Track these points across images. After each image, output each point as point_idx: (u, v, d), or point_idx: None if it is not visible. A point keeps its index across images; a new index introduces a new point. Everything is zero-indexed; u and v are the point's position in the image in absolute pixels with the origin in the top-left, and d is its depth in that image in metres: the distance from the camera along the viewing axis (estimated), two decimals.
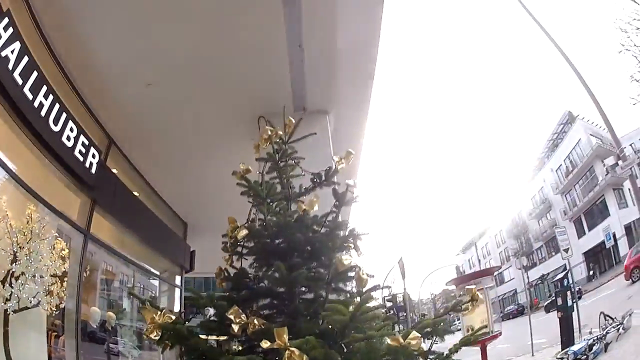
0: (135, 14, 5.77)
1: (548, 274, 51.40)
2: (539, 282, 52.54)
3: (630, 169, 13.99)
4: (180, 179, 9.85)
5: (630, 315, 11.70)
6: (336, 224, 3.39)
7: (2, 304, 5.14)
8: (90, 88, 6.93)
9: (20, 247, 5.47)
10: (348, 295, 3.31)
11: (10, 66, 4.95)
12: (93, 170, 6.67)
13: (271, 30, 6.01)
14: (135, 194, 8.96)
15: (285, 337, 2.31)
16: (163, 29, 5.98)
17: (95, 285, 7.81)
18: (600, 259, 43.38)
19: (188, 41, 6.26)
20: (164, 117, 7.64)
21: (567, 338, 11.79)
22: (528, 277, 47.95)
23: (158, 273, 11.38)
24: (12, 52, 4.99)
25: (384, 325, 2.91)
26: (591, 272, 43.28)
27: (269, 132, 3.64)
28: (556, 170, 52.23)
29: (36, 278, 5.62)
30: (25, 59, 5.23)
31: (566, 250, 13.36)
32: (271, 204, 3.48)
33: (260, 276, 3.37)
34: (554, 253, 50.82)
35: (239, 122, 7.45)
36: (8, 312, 5.23)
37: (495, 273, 59.93)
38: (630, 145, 38.46)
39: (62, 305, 6.20)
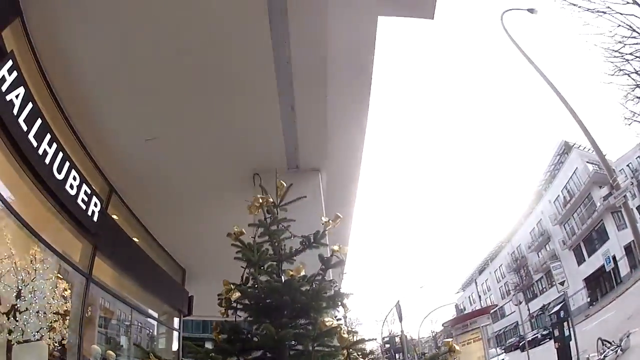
0: (136, 70, 6.09)
1: (549, 303, 50.80)
2: (540, 312, 51.94)
3: (624, 196, 13.94)
4: (178, 227, 10.08)
5: (627, 336, 11.73)
6: (321, 286, 3.65)
7: (7, 335, 5.40)
8: (92, 138, 7.22)
9: (25, 285, 5.77)
10: (333, 349, 3.54)
11: (15, 111, 5.10)
12: (95, 218, 6.96)
13: (265, 95, 6.35)
14: (135, 240, 9.23)
15: None
16: (164, 88, 6.32)
17: (95, 323, 8.02)
18: (601, 283, 43.49)
19: (187, 102, 6.60)
20: (163, 169, 7.91)
21: None
22: (529, 309, 47.82)
23: (156, 316, 11.59)
24: (17, 97, 5.11)
25: None
26: (589, 299, 43.74)
27: (260, 200, 3.93)
28: (554, 202, 52.82)
29: (39, 314, 5.90)
30: (30, 105, 5.36)
31: (562, 284, 13.52)
32: (262, 267, 3.76)
33: (252, 331, 3.66)
34: (554, 283, 50.95)
35: (236, 177, 7.72)
36: (12, 343, 5.51)
37: (496, 308, 60.11)
38: (628, 165, 39.77)
39: (64, 342, 6.47)
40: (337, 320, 3.85)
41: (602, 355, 10.69)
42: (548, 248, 55.03)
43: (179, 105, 6.62)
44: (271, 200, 4.04)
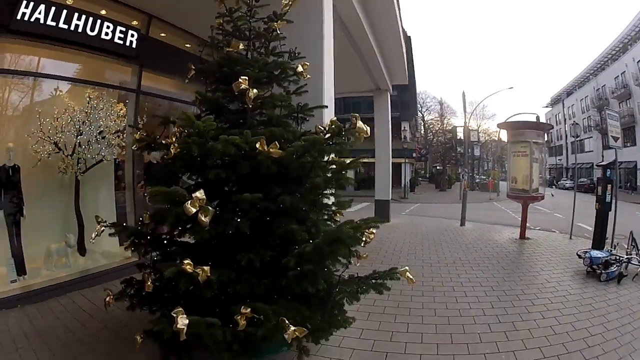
0: None
1: (621, 162, 47.41)
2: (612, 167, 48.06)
3: None
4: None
5: None
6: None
7: (72, 171, 7.54)
8: None
9: (82, 123, 7.61)
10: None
11: (42, 21, 6.69)
12: (134, 46, 8.30)
13: None
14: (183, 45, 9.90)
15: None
16: None
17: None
18: None
19: None
20: None
21: (599, 236, 10.39)
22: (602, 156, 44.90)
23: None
24: (40, 12, 6.66)
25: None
26: None
27: None
28: (638, 62, 45.76)
29: (98, 138, 7.78)
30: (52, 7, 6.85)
31: (615, 139, 11.47)
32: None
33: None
34: (629, 144, 46.58)
35: None
36: (78, 178, 7.67)
37: (575, 138, 55.48)
38: None
39: (123, 153, 8.54)
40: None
41: (628, 259, 8.58)
42: (629, 104, 49.00)
43: None
44: None
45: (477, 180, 50.58)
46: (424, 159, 62.00)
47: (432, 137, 67.48)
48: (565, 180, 57.69)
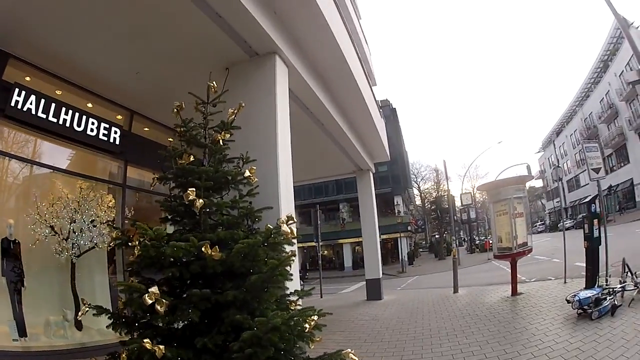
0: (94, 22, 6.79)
1: (617, 185, 48.60)
2: (607, 193, 46.63)
3: None
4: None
5: None
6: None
7: (67, 254, 8.12)
8: (96, 86, 8.85)
9: (75, 211, 8.35)
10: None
11: (33, 111, 7.50)
12: (117, 142, 9.05)
13: None
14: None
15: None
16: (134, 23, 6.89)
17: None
18: None
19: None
20: (155, 80, 8.61)
21: (591, 274, 10.06)
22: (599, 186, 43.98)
23: None
24: (31, 103, 7.48)
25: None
26: None
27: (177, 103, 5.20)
28: (619, 76, 45.41)
29: (90, 227, 8.46)
30: (42, 100, 7.67)
31: (596, 171, 11.29)
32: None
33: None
34: (623, 164, 47.73)
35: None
36: (73, 261, 8.25)
37: (570, 177, 55.99)
38: None
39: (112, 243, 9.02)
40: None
41: (621, 287, 8.70)
42: (617, 124, 49.62)
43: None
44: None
45: (477, 242, 50.15)
46: (420, 230, 61.84)
47: (429, 206, 67.53)
48: (565, 221, 57.24)
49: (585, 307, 8.20)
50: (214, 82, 5.35)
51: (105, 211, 8.80)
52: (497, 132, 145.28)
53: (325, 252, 49.43)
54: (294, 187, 7.45)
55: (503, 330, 8.49)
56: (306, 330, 4.24)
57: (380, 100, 29.01)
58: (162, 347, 3.76)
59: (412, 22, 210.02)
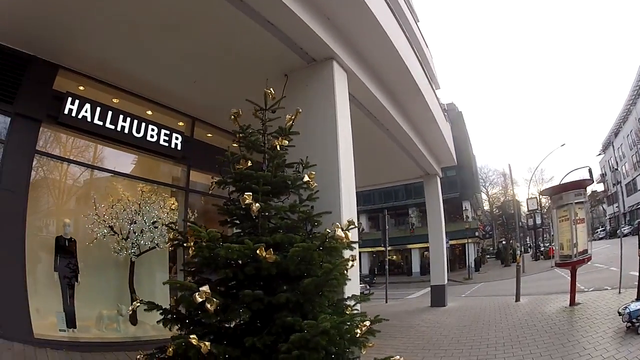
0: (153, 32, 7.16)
1: None
2: None
3: None
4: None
5: None
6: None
7: (126, 253, 8.46)
8: (159, 94, 9.25)
9: (136, 213, 8.67)
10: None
11: (89, 119, 7.93)
12: (179, 147, 9.35)
13: None
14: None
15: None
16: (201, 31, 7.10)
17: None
18: None
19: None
20: (214, 88, 8.87)
21: None
22: None
23: None
24: (86, 111, 7.91)
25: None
26: None
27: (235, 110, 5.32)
28: None
29: (151, 228, 8.75)
30: (98, 108, 8.09)
31: None
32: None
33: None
34: None
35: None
36: (132, 259, 8.57)
37: (628, 180, 52.40)
38: None
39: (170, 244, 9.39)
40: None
41: None
42: None
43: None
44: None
45: (542, 249, 48.37)
46: (488, 236, 60.45)
47: (497, 211, 65.85)
48: (624, 227, 53.99)
49: (634, 320, 7.84)
50: (272, 89, 5.39)
51: (167, 213, 9.08)
52: (561, 133, 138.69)
53: (394, 257, 49.00)
54: (362, 191, 7.48)
55: (557, 343, 8.28)
56: (357, 336, 4.25)
57: (446, 104, 28.48)
58: (207, 343, 3.84)
59: (473, 25, 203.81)
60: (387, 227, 23.20)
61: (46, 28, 6.85)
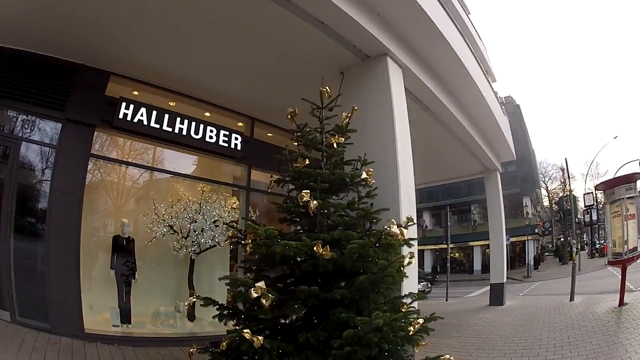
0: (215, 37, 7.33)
1: None
2: None
3: None
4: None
5: None
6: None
7: (186, 251, 8.73)
8: (239, 100, 9.59)
9: (197, 212, 8.92)
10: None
11: (145, 122, 8.26)
12: (239, 147, 9.54)
13: None
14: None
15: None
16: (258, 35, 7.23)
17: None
18: None
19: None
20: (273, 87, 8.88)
21: None
22: None
23: None
24: (142, 115, 8.26)
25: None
26: None
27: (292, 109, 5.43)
28: None
29: (212, 227, 8.99)
30: (154, 112, 8.42)
31: None
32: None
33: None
34: None
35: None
36: (192, 257, 8.82)
37: None
38: None
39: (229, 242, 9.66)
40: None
41: None
42: None
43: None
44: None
45: (597, 246, 46.26)
46: (547, 232, 58.52)
47: (555, 207, 63.77)
48: None
49: None
50: (327, 87, 5.43)
51: (228, 212, 9.30)
52: (617, 125, 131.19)
53: (456, 254, 48.10)
54: (425, 188, 7.41)
55: (603, 345, 8.12)
56: (410, 333, 4.23)
57: (504, 97, 27.78)
58: (260, 338, 3.92)
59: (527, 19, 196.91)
60: (449, 224, 22.96)
61: (96, 37, 7.22)
